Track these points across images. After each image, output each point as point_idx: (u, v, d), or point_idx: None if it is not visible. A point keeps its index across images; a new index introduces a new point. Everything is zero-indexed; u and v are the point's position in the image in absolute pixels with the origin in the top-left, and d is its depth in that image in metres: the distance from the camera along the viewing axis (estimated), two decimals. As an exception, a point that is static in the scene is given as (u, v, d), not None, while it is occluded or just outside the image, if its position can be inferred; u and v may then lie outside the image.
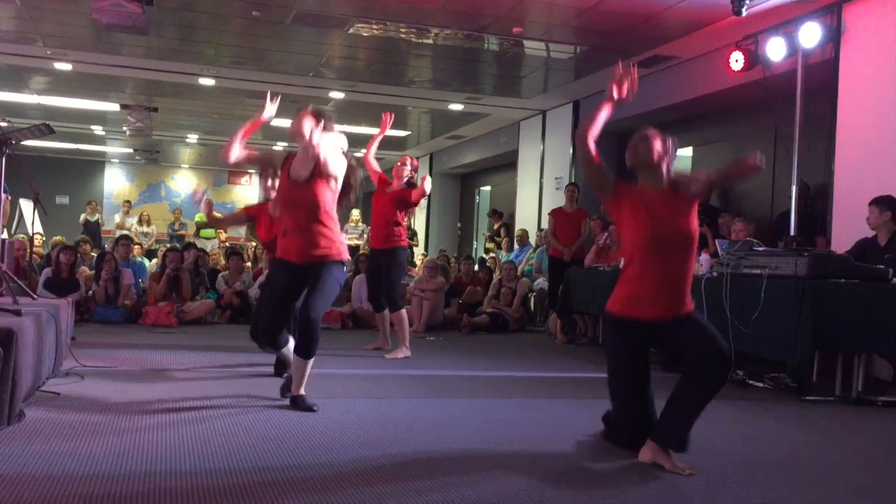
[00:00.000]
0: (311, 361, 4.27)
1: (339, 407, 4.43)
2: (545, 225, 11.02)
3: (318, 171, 4.16)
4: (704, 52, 8.75)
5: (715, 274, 6.08)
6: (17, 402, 3.69)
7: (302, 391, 4.30)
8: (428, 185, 6.38)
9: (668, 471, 3.30)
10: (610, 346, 3.69)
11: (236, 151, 4.22)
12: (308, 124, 4.18)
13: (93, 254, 11.00)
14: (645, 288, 3.48)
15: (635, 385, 3.55)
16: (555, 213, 9.98)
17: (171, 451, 3.32)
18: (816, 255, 5.40)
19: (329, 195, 4.23)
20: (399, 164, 6.74)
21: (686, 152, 10.68)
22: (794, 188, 7.20)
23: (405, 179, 6.71)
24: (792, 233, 7.08)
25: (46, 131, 5.18)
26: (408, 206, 6.74)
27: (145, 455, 3.25)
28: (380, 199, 6.76)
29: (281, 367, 5.10)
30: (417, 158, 7.71)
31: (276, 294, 4.41)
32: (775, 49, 7.34)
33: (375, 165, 6.85)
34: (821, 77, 7.12)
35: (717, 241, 7.02)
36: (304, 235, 4.23)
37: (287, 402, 4.36)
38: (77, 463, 3.09)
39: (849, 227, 6.55)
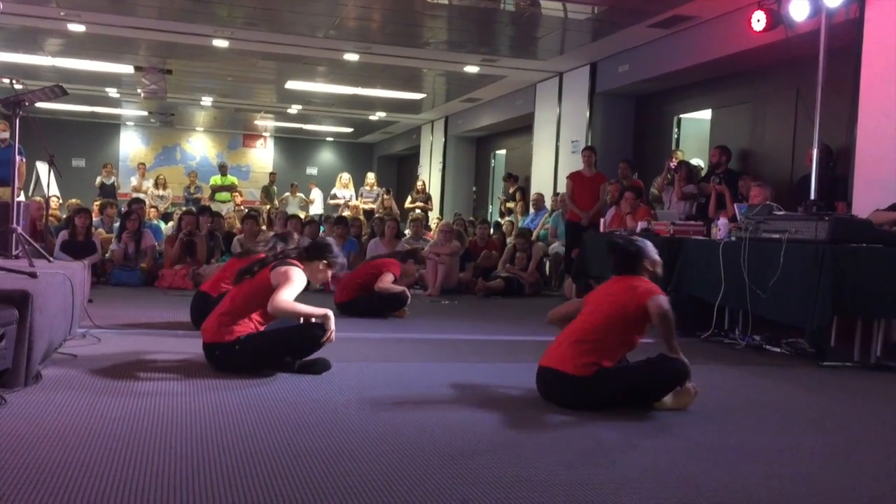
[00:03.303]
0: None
1: (354, 370, 4.44)
2: (561, 189, 10.93)
3: None
4: (725, 11, 8.56)
5: (734, 238, 6.02)
6: (34, 364, 3.73)
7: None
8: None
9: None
10: None
11: None
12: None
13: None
14: None
15: None
16: (573, 177, 9.90)
17: (187, 414, 3.33)
18: (837, 220, 5.32)
19: None
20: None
21: (706, 115, 10.52)
22: (815, 151, 7.08)
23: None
24: (812, 196, 6.97)
25: (60, 93, 5.14)
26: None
27: (161, 417, 3.26)
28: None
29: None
30: None
31: None
32: (798, 9, 7.16)
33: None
34: (844, 38, 6.95)
35: (735, 205, 6.93)
36: None
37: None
38: (93, 424, 3.11)
39: (871, 191, 6.44)
